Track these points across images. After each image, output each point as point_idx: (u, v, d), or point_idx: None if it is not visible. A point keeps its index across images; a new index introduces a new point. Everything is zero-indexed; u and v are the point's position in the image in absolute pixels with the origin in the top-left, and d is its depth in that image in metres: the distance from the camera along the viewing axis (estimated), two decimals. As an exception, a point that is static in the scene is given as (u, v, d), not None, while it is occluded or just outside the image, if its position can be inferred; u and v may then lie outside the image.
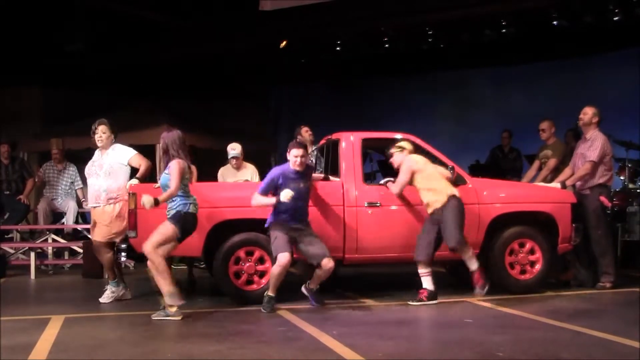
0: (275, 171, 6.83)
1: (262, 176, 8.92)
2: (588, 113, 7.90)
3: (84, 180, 10.18)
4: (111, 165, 7.20)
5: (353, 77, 15.49)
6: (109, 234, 7.19)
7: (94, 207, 7.24)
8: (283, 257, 6.54)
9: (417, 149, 7.42)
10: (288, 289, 6.94)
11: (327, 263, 6.68)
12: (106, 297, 7.22)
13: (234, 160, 8.56)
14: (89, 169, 7.33)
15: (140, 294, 7.81)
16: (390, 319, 6.35)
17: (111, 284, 7.29)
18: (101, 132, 7.26)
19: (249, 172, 8.60)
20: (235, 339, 5.50)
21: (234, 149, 8.55)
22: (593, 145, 7.75)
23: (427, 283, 6.94)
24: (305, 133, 8.95)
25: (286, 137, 15.65)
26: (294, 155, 6.70)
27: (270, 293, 6.62)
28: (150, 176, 7.48)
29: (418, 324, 6.08)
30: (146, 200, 6.15)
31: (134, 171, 7.26)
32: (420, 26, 12.75)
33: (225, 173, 8.59)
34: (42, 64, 13.08)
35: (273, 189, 6.73)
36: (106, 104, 12.74)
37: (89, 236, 7.72)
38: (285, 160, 6.92)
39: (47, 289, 8.78)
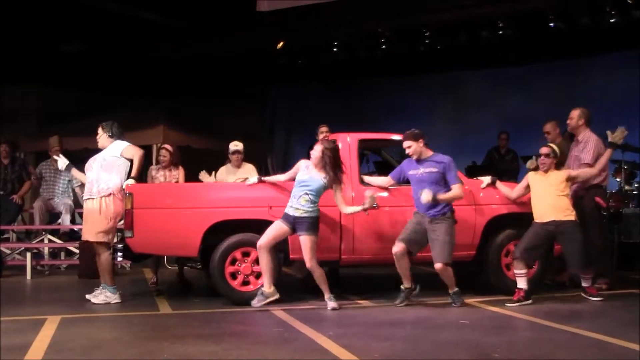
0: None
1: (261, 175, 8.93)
2: (573, 117, 7.91)
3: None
4: (104, 158, 7.20)
5: (350, 78, 15.49)
6: (94, 233, 7.05)
7: (85, 201, 7.21)
8: (394, 247, 6.81)
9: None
10: (284, 289, 6.94)
11: (437, 267, 6.77)
12: (99, 299, 7.11)
13: (236, 155, 8.47)
14: (87, 164, 7.33)
15: (136, 294, 7.80)
16: (386, 319, 6.35)
17: (108, 289, 7.15)
18: (97, 133, 7.38)
19: (249, 171, 8.55)
20: (231, 340, 5.50)
21: (237, 145, 8.53)
22: (586, 147, 7.74)
23: (522, 283, 7.01)
24: (320, 135, 8.86)
25: (283, 137, 15.71)
26: (406, 147, 6.97)
27: (405, 285, 6.90)
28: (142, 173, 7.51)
29: (414, 325, 6.08)
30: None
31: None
32: (417, 28, 12.76)
33: (225, 172, 8.55)
34: (40, 64, 13.07)
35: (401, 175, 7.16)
36: (104, 104, 12.76)
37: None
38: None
39: (43, 290, 8.78)
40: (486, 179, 7.58)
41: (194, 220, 6.96)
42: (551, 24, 12.01)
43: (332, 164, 6.75)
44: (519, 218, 7.50)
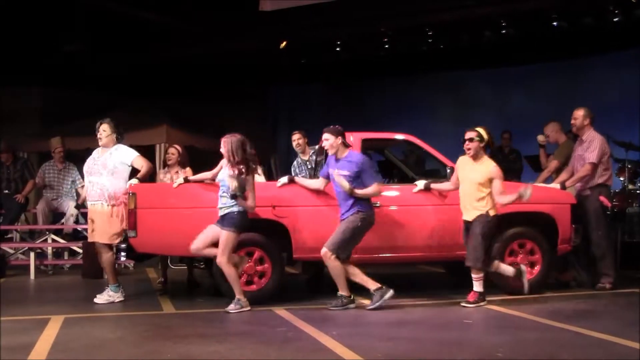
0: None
1: (265, 174, 8.92)
2: (579, 117, 7.87)
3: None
4: (115, 165, 7.16)
5: (353, 78, 15.51)
6: (108, 235, 7.11)
7: (93, 204, 7.19)
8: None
9: (417, 149, 7.42)
10: (288, 289, 6.94)
11: (322, 252, 6.65)
12: (102, 299, 7.13)
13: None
14: (89, 166, 7.24)
15: (140, 294, 7.81)
16: (389, 319, 6.35)
17: (111, 287, 7.18)
18: (102, 131, 7.27)
19: None
20: (234, 340, 5.50)
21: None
22: (591, 146, 7.73)
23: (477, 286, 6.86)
24: (293, 142, 8.76)
25: (285, 137, 15.71)
26: (324, 139, 6.85)
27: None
28: (149, 178, 7.50)
29: (417, 325, 6.08)
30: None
31: (133, 172, 7.26)
32: (420, 27, 12.77)
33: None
34: (42, 64, 13.09)
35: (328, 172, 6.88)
36: (106, 104, 12.75)
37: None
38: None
39: (46, 289, 8.78)
40: (419, 184, 7.30)
41: (197, 220, 6.95)
42: (554, 23, 12.01)
43: (241, 158, 6.60)
44: (524, 217, 7.48)
